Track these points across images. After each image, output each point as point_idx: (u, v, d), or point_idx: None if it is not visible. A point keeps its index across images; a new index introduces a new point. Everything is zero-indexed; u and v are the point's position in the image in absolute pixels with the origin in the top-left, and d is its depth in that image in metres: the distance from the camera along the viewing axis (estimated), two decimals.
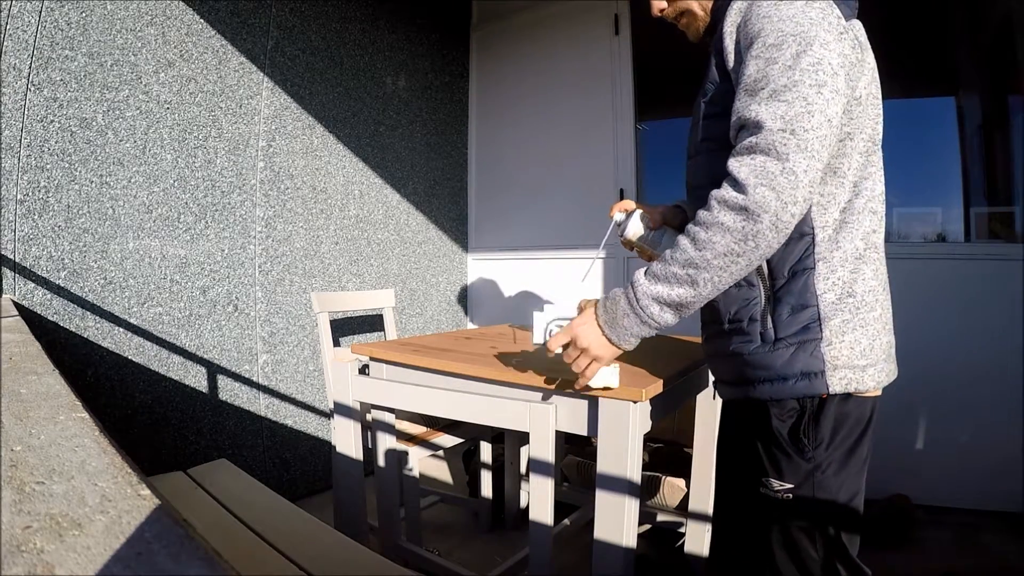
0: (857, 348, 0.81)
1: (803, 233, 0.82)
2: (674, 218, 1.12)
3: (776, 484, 0.85)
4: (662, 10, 1.00)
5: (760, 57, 0.76)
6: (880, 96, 0.86)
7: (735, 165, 0.75)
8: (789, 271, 0.83)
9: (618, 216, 1.13)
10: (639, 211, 1.12)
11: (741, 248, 0.74)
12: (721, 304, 0.90)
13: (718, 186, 0.78)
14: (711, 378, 1.39)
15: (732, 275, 0.77)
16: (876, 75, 0.86)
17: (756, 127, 0.74)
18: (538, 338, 1.02)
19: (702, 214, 0.78)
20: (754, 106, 0.75)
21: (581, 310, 0.96)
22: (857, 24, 0.85)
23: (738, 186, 0.74)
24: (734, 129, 0.79)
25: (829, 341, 0.81)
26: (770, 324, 0.84)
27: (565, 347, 0.93)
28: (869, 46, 0.85)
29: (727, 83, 0.85)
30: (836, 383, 0.81)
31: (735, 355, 0.89)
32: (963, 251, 2.08)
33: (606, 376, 0.95)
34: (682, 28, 1.01)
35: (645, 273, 0.83)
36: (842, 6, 0.81)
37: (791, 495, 0.84)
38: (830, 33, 0.76)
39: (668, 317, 0.82)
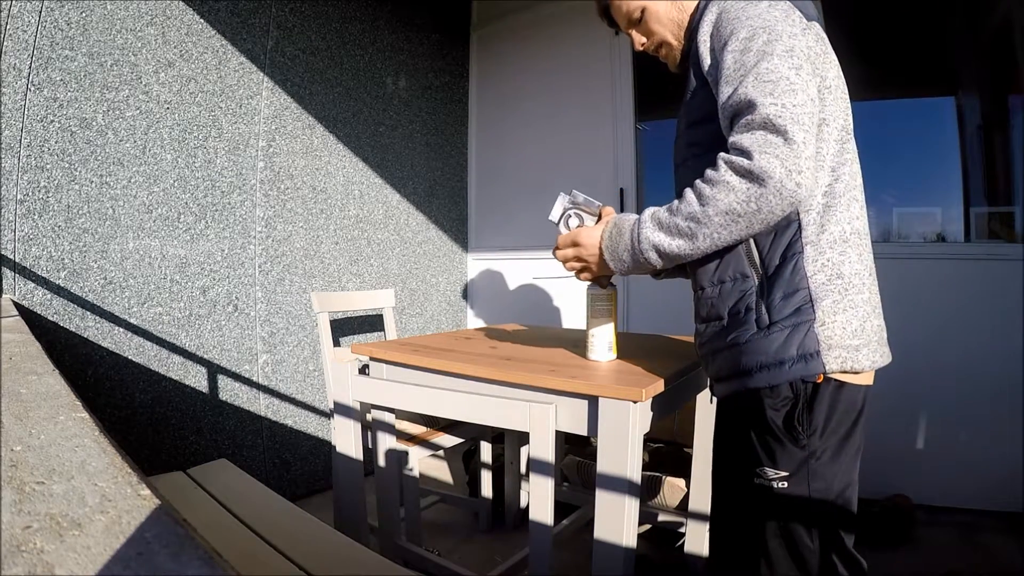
0: (849, 328, 0.83)
1: (790, 220, 0.85)
2: None
3: (771, 473, 0.86)
4: (643, 44, 1.06)
5: (736, 50, 0.82)
6: (847, 91, 0.91)
7: (737, 138, 0.78)
8: (780, 257, 0.85)
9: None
10: (566, 197, 1.09)
11: (743, 209, 0.78)
12: (719, 302, 0.92)
13: None
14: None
15: (731, 235, 0.81)
16: (840, 71, 0.91)
17: (750, 106, 0.77)
18: (553, 216, 1.10)
19: (709, 172, 0.81)
20: (742, 89, 0.79)
21: (599, 216, 1.07)
22: (817, 25, 0.90)
23: (743, 153, 0.77)
24: (727, 117, 0.83)
25: (822, 321, 0.83)
26: (764, 310, 0.86)
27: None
28: (830, 45, 0.92)
29: (706, 87, 0.90)
30: (832, 361, 0.82)
31: (732, 346, 0.89)
32: (963, 251, 2.08)
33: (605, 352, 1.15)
34: (662, 59, 1.07)
35: (652, 216, 0.89)
36: (801, 5, 0.88)
37: (786, 483, 0.85)
38: (795, 27, 0.83)
39: (663, 264, 0.90)
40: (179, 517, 0.38)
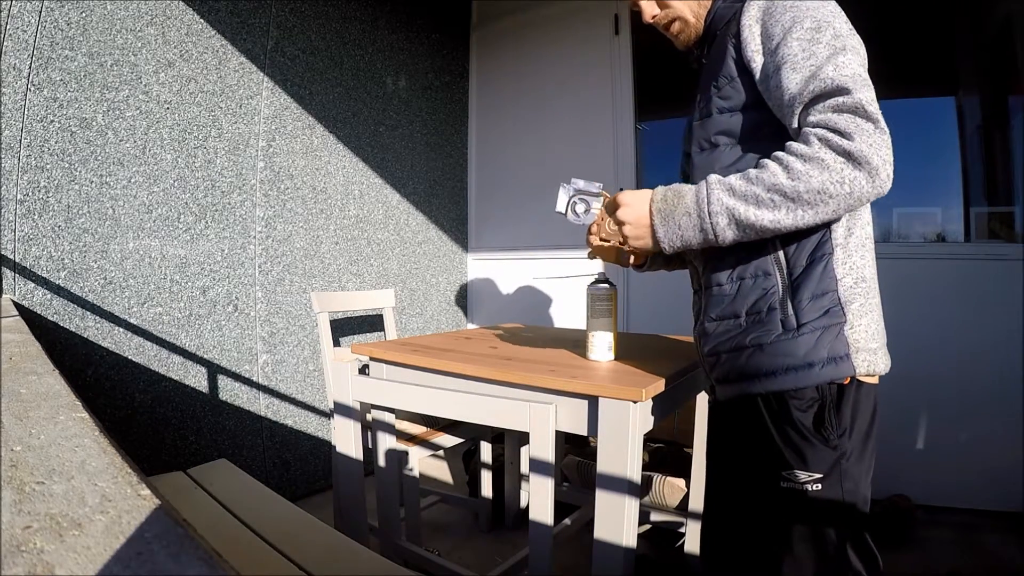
0: (869, 331, 0.83)
1: None
2: None
3: (803, 475, 0.84)
4: (654, 16, 1.00)
5: (803, 38, 0.79)
6: None
7: (826, 116, 0.75)
8: (807, 259, 0.84)
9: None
10: (567, 187, 1.02)
11: (836, 190, 0.74)
12: (737, 299, 0.89)
13: None
14: None
15: (816, 216, 0.76)
16: None
17: (840, 91, 0.75)
18: (559, 207, 1.03)
19: (798, 147, 0.77)
20: (824, 74, 0.76)
21: (604, 198, 0.97)
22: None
23: (842, 134, 0.74)
24: (800, 102, 0.78)
25: (851, 324, 0.82)
26: (791, 311, 0.84)
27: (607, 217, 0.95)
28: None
29: (745, 76, 0.87)
30: (860, 364, 0.82)
31: (752, 347, 0.87)
32: (963, 251, 2.08)
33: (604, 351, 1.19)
34: (672, 35, 1.01)
35: (719, 182, 0.81)
36: None
37: (820, 485, 0.83)
38: (848, 26, 0.82)
39: (730, 235, 0.81)
40: (179, 517, 0.38)
